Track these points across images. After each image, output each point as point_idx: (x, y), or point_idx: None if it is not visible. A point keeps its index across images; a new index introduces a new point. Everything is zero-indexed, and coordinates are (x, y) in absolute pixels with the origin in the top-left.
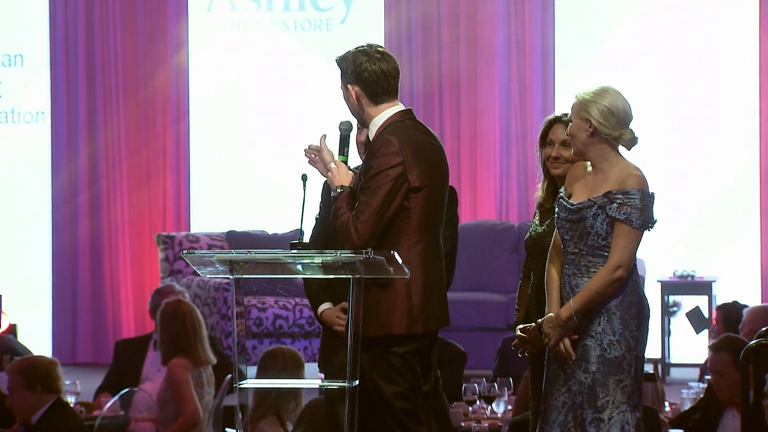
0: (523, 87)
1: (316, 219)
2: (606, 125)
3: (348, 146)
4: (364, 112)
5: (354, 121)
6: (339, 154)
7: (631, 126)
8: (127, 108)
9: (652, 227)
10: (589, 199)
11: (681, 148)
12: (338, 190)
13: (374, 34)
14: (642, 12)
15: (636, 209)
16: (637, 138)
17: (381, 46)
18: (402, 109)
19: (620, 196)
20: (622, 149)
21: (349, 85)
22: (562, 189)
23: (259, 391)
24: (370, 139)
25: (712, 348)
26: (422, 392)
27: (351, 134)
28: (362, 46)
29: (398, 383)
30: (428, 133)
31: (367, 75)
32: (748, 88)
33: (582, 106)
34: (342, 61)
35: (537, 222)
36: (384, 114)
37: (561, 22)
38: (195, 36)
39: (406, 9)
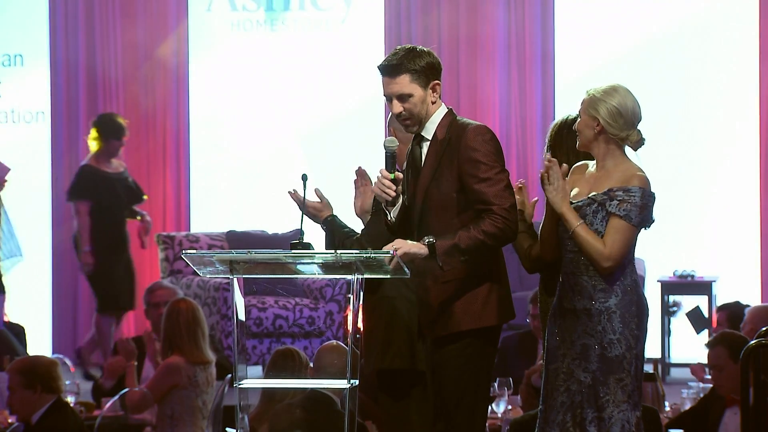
0: (523, 87)
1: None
2: (613, 125)
3: (396, 162)
4: (429, 110)
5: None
6: (390, 172)
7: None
8: (127, 108)
9: (649, 226)
10: (588, 197)
11: (681, 148)
12: (430, 240)
13: (374, 34)
14: (642, 11)
15: (636, 206)
16: (644, 139)
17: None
18: (448, 108)
19: (621, 193)
20: (627, 149)
21: (435, 82)
22: None
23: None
24: (426, 136)
25: (708, 345)
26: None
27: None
28: (410, 46)
29: (481, 382)
30: None
31: (440, 68)
32: (749, 88)
33: (591, 103)
34: (415, 62)
35: None
36: (441, 111)
37: (561, 22)
38: (195, 36)
39: (405, 9)
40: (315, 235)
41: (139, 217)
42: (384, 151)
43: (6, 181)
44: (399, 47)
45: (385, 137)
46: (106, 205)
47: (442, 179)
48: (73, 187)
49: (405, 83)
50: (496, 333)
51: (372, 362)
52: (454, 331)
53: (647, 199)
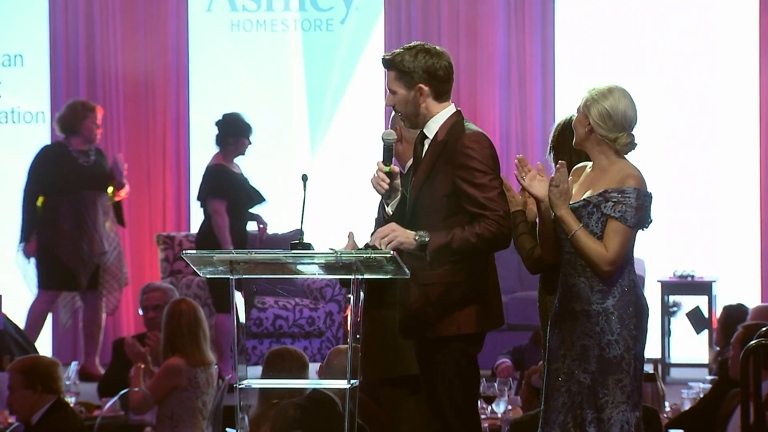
0: (523, 87)
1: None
2: (602, 127)
3: (393, 156)
4: (428, 111)
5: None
6: (386, 165)
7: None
8: (127, 108)
9: (647, 227)
10: (584, 199)
11: (681, 149)
12: (426, 239)
13: (374, 34)
14: (642, 12)
15: (631, 207)
16: (635, 144)
17: (428, 44)
18: (457, 109)
19: (616, 194)
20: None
21: (420, 85)
22: None
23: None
24: (428, 135)
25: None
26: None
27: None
28: (418, 44)
29: (466, 386)
30: None
31: (442, 73)
32: (748, 88)
33: (586, 102)
34: (404, 61)
35: None
36: (446, 111)
37: (561, 22)
38: (195, 36)
39: (406, 9)
40: (315, 235)
41: (256, 221)
42: (382, 143)
43: (124, 183)
44: (414, 43)
45: None
46: (239, 205)
47: (435, 181)
48: (207, 186)
49: (391, 79)
50: (478, 339)
51: (376, 366)
52: (432, 336)
53: (643, 199)
